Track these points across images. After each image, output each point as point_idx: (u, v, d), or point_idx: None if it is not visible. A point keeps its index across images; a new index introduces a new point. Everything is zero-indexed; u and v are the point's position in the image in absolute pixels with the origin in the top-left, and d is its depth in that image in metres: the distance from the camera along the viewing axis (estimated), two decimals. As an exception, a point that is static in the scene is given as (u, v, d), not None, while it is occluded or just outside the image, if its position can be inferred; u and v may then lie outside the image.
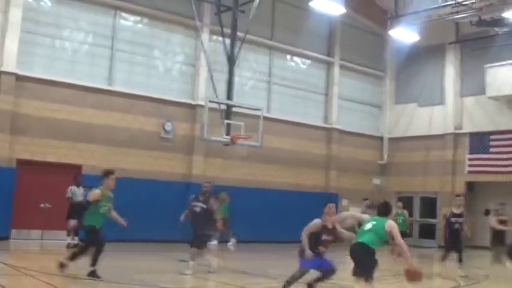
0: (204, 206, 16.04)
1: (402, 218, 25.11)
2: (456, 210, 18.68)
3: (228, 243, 25.39)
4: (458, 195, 19.97)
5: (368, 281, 10.39)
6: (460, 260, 18.15)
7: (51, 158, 23.37)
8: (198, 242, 15.77)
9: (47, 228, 23.00)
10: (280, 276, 15.87)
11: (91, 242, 13.90)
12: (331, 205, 12.58)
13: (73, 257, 13.85)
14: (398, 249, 10.45)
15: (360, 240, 10.63)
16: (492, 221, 18.53)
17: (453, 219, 18.48)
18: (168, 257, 18.03)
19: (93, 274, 13.44)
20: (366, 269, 10.45)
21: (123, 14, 26.08)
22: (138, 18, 26.57)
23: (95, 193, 13.88)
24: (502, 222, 18.20)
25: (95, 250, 13.69)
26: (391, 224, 10.65)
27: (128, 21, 26.29)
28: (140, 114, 25.81)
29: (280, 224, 28.37)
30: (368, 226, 10.80)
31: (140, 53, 26.47)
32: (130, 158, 25.29)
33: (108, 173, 14.18)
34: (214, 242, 25.63)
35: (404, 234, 25.19)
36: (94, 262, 13.58)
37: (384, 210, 11.22)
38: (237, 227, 26.27)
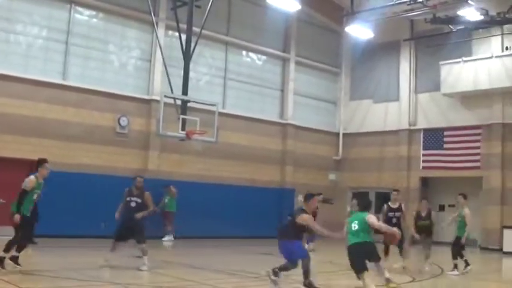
0: (139, 201, 15.99)
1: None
2: (393, 205, 18.86)
3: (164, 239, 25.67)
4: (395, 190, 20.07)
5: (381, 259, 12.43)
6: (401, 254, 18.30)
7: (4, 153, 22.98)
8: (137, 236, 15.72)
9: (2, 224, 22.52)
10: (238, 271, 15.91)
11: (27, 230, 13.93)
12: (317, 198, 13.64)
13: (20, 250, 13.76)
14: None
15: (356, 240, 11.98)
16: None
17: (391, 214, 18.63)
18: (124, 253, 17.89)
19: (1, 261, 13.42)
20: (375, 258, 12.20)
21: (78, 8, 25.82)
22: (94, 12, 26.33)
23: (31, 180, 13.95)
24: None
25: (15, 238, 13.70)
26: (369, 217, 12.18)
27: (83, 15, 26.03)
28: (95, 109, 25.58)
29: (236, 219, 28.50)
30: (355, 226, 12.13)
31: (95, 47, 26.23)
32: (85, 153, 25.08)
33: (42, 161, 14.34)
34: (170, 237, 25.68)
35: None
36: (8, 249, 13.53)
37: (366, 205, 12.84)
38: (193, 222, 26.36)
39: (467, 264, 17.53)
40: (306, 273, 12.60)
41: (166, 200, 26.20)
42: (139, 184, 16.29)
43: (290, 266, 12.83)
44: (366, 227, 12.09)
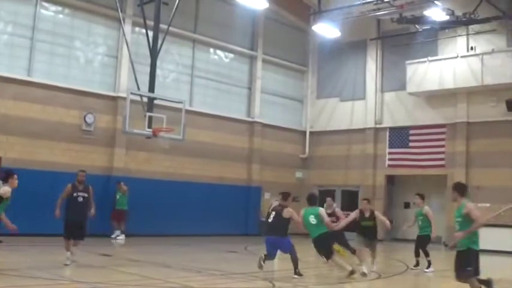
0: (86, 195, 16.09)
1: None
2: (328, 210, 19.19)
3: (118, 237, 25.19)
4: (328, 197, 20.45)
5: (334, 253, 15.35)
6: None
7: (-32, 151, 22.82)
8: (83, 232, 15.99)
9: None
10: (205, 269, 15.90)
11: None
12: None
13: None
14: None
15: (318, 233, 15.04)
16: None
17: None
18: (89, 251, 17.82)
19: None
20: (331, 249, 15.13)
21: (44, 4, 25.55)
22: (60, 8, 26.11)
23: (8, 190, 13.87)
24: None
25: None
26: (321, 211, 15.32)
27: (48, 11, 25.77)
28: (61, 106, 25.35)
29: (203, 217, 28.53)
30: (313, 221, 15.09)
31: (61, 43, 25.99)
32: (51, 150, 24.86)
33: (12, 173, 14.39)
34: (119, 235, 25.30)
35: None
36: None
37: (313, 200, 15.72)
38: (160, 220, 26.35)
39: (417, 264, 17.91)
40: (295, 263, 14.82)
41: (117, 197, 25.86)
42: (81, 178, 16.30)
43: (271, 257, 15.23)
44: (321, 220, 15.09)
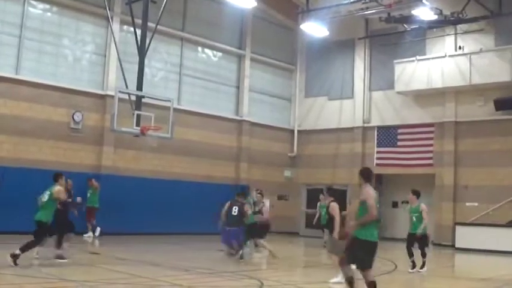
0: (69, 200, 16.82)
1: (325, 209, 25.53)
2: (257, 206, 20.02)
3: (85, 235, 24.63)
4: (256, 190, 21.64)
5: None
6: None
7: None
8: (67, 230, 16.43)
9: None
10: (194, 268, 15.88)
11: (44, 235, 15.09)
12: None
13: (25, 248, 14.66)
14: None
15: (253, 221, 18.77)
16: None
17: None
18: (78, 249, 17.76)
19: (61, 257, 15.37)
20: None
21: (32, 2, 25.45)
22: (48, 6, 26.00)
23: (63, 190, 15.32)
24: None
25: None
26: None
27: (36, 9, 25.67)
28: (49, 104, 25.27)
29: (191, 215, 28.43)
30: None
31: (49, 42, 25.91)
32: (39, 148, 24.78)
33: (61, 175, 15.75)
34: (95, 231, 25.08)
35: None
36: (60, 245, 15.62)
37: (245, 194, 19.74)
38: (149, 219, 26.31)
39: (414, 266, 17.65)
40: (239, 249, 18.04)
41: (88, 194, 25.08)
42: (70, 187, 17.73)
43: (230, 247, 18.30)
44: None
